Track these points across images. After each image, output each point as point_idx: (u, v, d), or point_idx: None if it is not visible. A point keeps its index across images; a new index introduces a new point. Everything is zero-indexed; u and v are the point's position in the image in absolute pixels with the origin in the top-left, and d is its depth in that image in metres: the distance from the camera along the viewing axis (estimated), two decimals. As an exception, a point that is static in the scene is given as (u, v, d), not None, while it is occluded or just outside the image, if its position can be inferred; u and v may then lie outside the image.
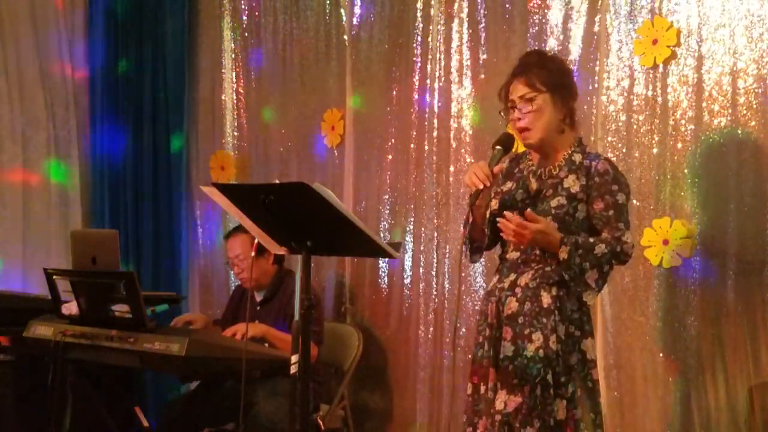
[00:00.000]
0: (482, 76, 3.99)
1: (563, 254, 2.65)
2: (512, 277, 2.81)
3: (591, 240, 2.69)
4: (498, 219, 2.69)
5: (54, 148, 5.27)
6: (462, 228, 2.90)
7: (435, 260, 4.17)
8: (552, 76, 2.77)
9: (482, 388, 2.81)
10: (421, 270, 4.22)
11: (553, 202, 2.75)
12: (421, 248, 4.22)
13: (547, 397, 2.67)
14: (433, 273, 4.17)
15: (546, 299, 2.72)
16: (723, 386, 3.24)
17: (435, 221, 4.17)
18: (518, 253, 2.83)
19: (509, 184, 2.89)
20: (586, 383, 2.75)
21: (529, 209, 2.70)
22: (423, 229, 4.22)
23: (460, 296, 3.91)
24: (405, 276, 4.29)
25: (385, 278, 4.39)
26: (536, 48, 3.66)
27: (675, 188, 3.39)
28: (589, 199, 2.75)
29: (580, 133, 2.89)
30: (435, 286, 4.16)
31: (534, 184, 2.83)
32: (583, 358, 2.75)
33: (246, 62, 5.02)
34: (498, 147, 2.79)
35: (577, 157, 2.79)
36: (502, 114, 2.88)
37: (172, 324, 4.14)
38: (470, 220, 2.87)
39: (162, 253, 5.34)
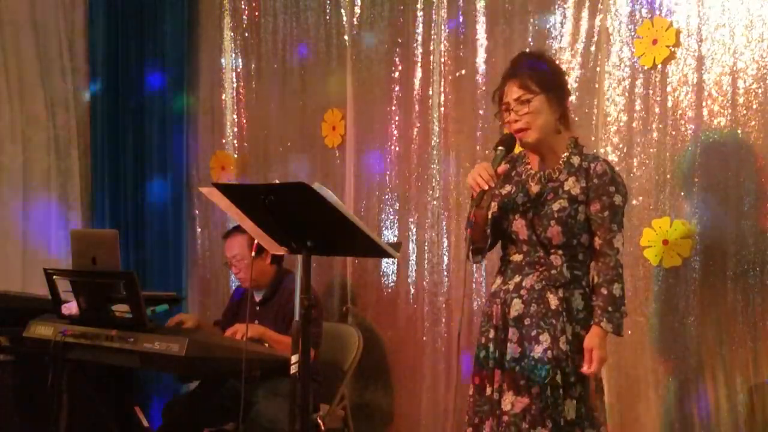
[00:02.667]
0: (481, 76, 3.99)
1: (609, 329, 2.69)
2: (517, 279, 2.82)
3: (603, 291, 2.71)
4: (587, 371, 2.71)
5: (54, 148, 5.27)
6: (465, 229, 2.89)
7: (436, 260, 4.16)
8: (546, 77, 2.77)
9: (487, 390, 2.81)
10: (422, 270, 4.22)
11: (555, 206, 2.75)
12: (423, 248, 4.21)
13: (558, 397, 2.68)
14: (434, 273, 4.17)
15: (553, 301, 2.72)
16: (723, 386, 3.24)
17: (436, 221, 4.17)
18: (522, 256, 2.83)
19: (508, 188, 2.89)
20: (590, 382, 2.75)
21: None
22: (424, 229, 4.22)
23: (464, 296, 3.90)
24: (406, 276, 4.29)
25: (386, 278, 4.38)
26: (534, 49, 3.65)
27: (675, 188, 3.39)
28: (587, 201, 2.75)
29: (575, 134, 2.88)
30: (436, 286, 4.16)
31: (534, 188, 2.83)
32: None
33: (246, 62, 5.02)
34: (500, 148, 2.80)
35: (576, 160, 2.79)
36: (497, 117, 2.87)
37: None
38: (473, 219, 2.87)
39: (162, 253, 5.34)
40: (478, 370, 2.87)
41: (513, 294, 2.80)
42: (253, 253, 3.68)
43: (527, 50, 3.48)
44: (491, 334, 2.83)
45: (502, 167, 2.77)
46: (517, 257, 2.84)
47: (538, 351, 2.70)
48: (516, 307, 2.78)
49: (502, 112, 2.82)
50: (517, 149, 2.93)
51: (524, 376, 2.71)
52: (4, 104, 5.07)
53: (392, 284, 4.35)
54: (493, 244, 2.94)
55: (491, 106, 3.86)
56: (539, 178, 2.84)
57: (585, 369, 2.69)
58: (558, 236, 2.74)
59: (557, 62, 2.93)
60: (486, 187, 2.71)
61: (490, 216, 2.87)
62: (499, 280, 2.90)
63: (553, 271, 2.75)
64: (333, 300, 4.56)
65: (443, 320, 4.13)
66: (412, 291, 4.26)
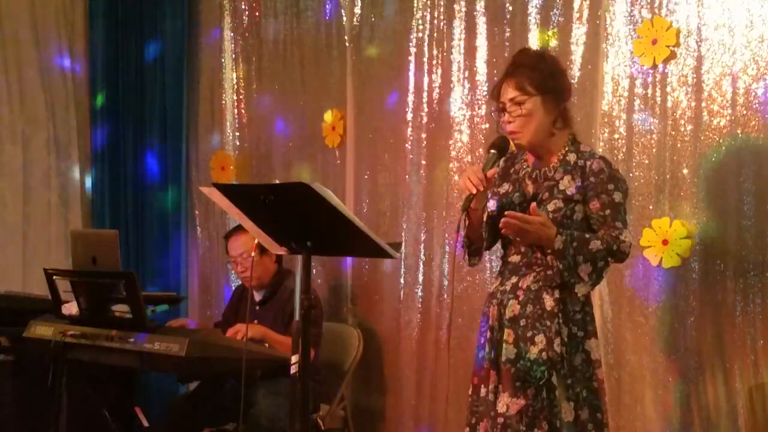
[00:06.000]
0: (482, 76, 3.99)
1: (558, 244, 2.63)
2: (514, 279, 2.80)
3: (587, 235, 2.68)
4: (503, 218, 2.65)
5: (54, 148, 5.27)
6: (455, 233, 2.88)
7: (436, 261, 4.16)
8: (543, 78, 2.73)
9: (482, 390, 2.80)
10: (422, 271, 4.22)
11: (550, 206, 2.74)
12: (423, 249, 4.21)
13: (553, 399, 2.66)
14: (434, 274, 4.17)
15: (549, 302, 2.71)
16: (723, 386, 3.24)
17: (435, 221, 4.17)
18: (520, 257, 2.82)
19: (506, 186, 2.87)
20: (592, 383, 2.74)
21: (533, 203, 2.69)
22: (423, 229, 4.22)
23: (453, 298, 3.90)
24: (406, 276, 4.28)
25: (387, 279, 4.38)
26: (533, 48, 3.64)
27: (674, 188, 3.38)
28: (585, 199, 2.73)
29: (574, 130, 2.86)
30: (435, 286, 4.16)
31: (530, 187, 2.81)
32: (588, 358, 2.73)
33: (246, 62, 5.03)
34: (492, 151, 2.78)
35: (572, 157, 2.78)
36: (494, 115, 2.85)
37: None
38: (466, 224, 2.86)
39: (162, 253, 5.35)
40: (476, 370, 2.86)
41: (509, 295, 2.79)
42: (253, 253, 3.69)
43: (528, 47, 3.46)
44: (488, 335, 2.82)
45: (493, 170, 2.74)
46: (515, 258, 2.83)
47: (533, 352, 2.68)
48: (512, 307, 2.76)
49: (499, 111, 2.81)
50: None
51: (520, 377, 2.69)
52: (4, 104, 5.07)
53: (392, 285, 4.35)
54: (492, 244, 2.93)
55: (491, 104, 3.93)
56: (535, 176, 2.82)
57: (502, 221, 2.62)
58: None
59: (558, 61, 2.89)
60: (474, 191, 2.70)
61: (485, 217, 2.87)
62: (497, 281, 2.89)
63: (549, 272, 2.73)
64: (334, 300, 4.56)
65: (443, 321, 4.12)
66: (412, 291, 4.26)
